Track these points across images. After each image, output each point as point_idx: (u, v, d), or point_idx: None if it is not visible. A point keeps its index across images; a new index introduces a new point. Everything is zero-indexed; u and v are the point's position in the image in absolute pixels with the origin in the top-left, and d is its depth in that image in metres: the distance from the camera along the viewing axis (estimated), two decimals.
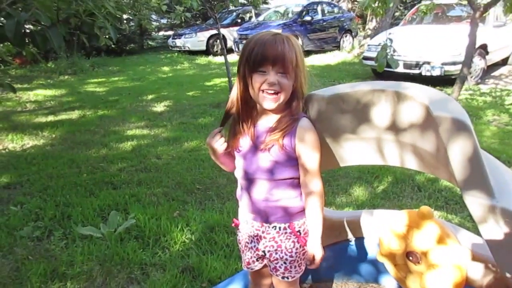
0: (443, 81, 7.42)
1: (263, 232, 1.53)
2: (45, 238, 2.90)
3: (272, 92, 1.36)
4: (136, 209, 3.22)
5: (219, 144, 1.48)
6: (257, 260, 1.58)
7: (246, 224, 1.57)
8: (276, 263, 1.52)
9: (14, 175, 4.09)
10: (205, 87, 8.64)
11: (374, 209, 1.94)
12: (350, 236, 1.92)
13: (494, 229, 1.17)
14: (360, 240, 1.92)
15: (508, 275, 1.25)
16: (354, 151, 1.58)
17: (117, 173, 4.09)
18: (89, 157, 4.55)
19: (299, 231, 1.51)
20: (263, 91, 1.36)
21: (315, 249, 1.47)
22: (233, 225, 1.63)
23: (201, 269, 2.42)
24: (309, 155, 1.43)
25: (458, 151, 1.18)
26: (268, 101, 1.38)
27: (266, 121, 1.46)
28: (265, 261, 1.57)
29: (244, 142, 1.48)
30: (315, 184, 1.46)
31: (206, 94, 7.88)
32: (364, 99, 1.43)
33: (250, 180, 1.49)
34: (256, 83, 1.36)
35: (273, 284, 1.66)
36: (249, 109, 1.46)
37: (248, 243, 1.58)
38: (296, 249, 1.51)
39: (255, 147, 1.46)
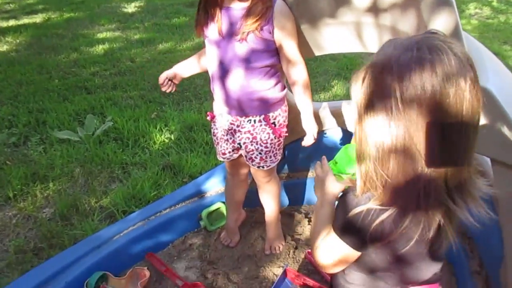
0: None
1: (238, 126, 1.51)
2: (22, 144, 2.86)
3: None
4: (113, 112, 3.17)
5: (166, 88, 1.58)
6: (232, 150, 1.59)
7: (221, 117, 1.55)
8: (252, 154, 1.54)
9: None
10: None
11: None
12: (329, 126, 1.93)
13: None
14: (338, 130, 1.93)
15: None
16: (332, 37, 1.52)
17: (90, 77, 3.94)
18: (59, 62, 4.34)
19: (274, 123, 1.50)
20: None
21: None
22: (208, 118, 1.61)
23: (182, 165, 2.46)
24: (290, 41, 1.37)
25: (439, 27, 1.13)
26: None
27: (237, 7, 1.35)
28: (241, 152, 1.58)
29: (213, 29, 1.39)
30: (300, 70, 1.42)
31: None
32: None
33: (225, 70, 1.43)
34: None
35: (250, 173, 1.69)
36: None
37: (223, 135, 1.57)
38: (271, 140, 1.52)
39: (230, 35, 1.37)
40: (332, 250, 0.84)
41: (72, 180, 2.43)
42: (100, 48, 4.70)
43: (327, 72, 3.83)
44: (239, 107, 1.48)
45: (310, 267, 1.68)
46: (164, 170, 2.44)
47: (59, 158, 2.61)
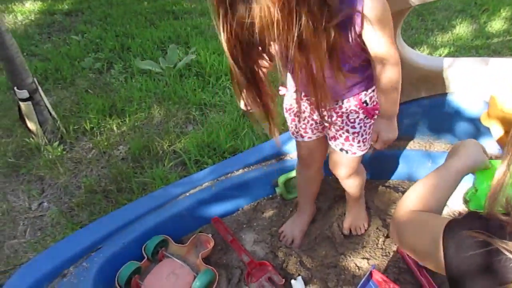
0: None
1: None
2: (105, 71, 2.78)
3: None
4: (197, 42, 2.93)
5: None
6: (313, 128, 1.25)
7: (296, 94, 1.18)
8: (336, 132, 1.21)
9: (75, 1, 3.89)
10: None
11: (489, 57, 1.46)
12: (449, 89, 1.50)
13: None
14: (459, 95, 1.50)
15: None
16: None
17: (179, 0, 3.71)
18: None
19: (365, 101, 1.14)
20: None
21: (381, 128, 1.16)
22: (280, 93, 1.24)
23: None
24: (381, 34, 0.94)
25: None
26: None
27: None
28: (319, 133, 1.26)
29: None
30: (389, 56, 1.00)
31: None
32: None
33: None
34: None
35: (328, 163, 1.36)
36: None
37: (299, 112, 1.23)
38: (360, 120, 1.17)
39: None
40: (419, 230, 0.69)
41: (149, 118, 2.30)
42: None
43: (449, 8, 3.16)
44: None
45: (401, 265, 1.37)
46: (243, 117, 2.19)
47: (138, 90, 2.48)
